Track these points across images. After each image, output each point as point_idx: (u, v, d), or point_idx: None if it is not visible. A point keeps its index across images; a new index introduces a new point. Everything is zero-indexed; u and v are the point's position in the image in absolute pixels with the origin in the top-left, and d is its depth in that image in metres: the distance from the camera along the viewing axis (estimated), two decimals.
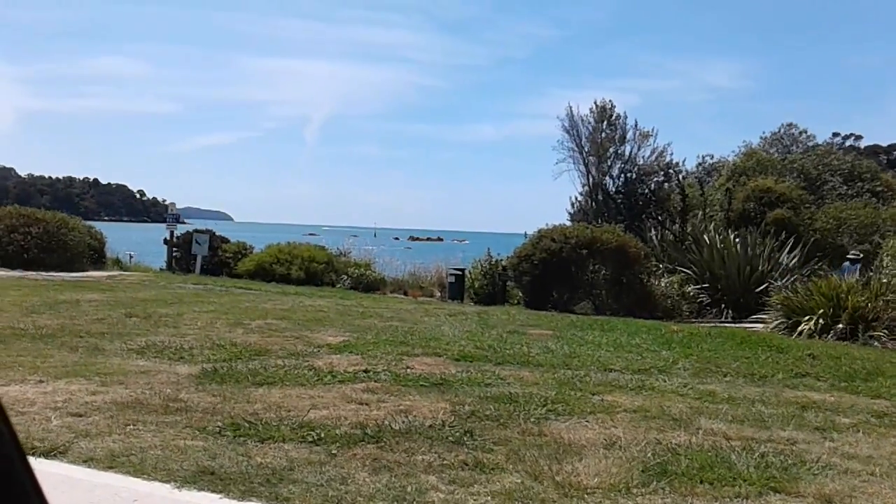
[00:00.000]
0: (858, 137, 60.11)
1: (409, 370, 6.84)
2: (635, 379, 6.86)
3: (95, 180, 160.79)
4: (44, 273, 16.86)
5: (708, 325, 14.05)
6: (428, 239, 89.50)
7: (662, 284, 16.27)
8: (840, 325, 11.93)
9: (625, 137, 21.75)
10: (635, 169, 21.52)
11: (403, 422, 4.73)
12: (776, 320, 13.43)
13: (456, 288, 17.73)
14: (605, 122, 21.73)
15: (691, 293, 16.55)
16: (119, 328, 8.72)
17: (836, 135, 57.18)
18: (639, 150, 21.64)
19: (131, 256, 22.77)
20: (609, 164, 21.86)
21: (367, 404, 5.33)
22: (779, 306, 13.66)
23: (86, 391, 5.33)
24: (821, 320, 12.20)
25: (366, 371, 6.70)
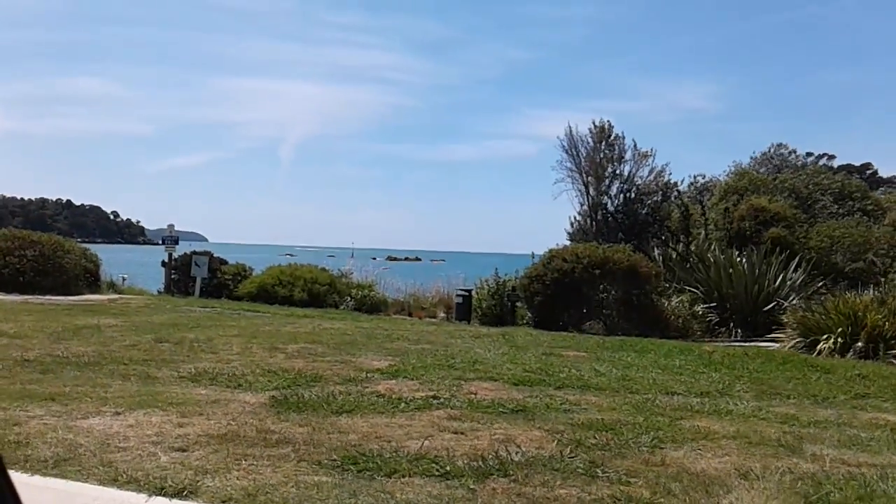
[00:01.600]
0: (831, 157, 61.31)
1: (474, 396, 6.70)
2: (704, 403, 6.78)
3: (69, 201, 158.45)
4: (43, 297, 16.40)
5: (723, 344, 14.10)
6: (406, 259, 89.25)
7: (673, 304, 16.30)
8: (859, 344, 12.01)
9: (623, 157, 21.90)
10: (634, 189, 21.65)
11: (515, 452, 4.59)
12: (793, 339, 13.48)
13: (463, 308, 17.59)
14: (604, 143, 21.87)
15: (700, 312, 16.60)
16: (157, 355, 8.45)
17: (808, 154, 58.31)
18: (637, 170, 21.81)
19: (124, 279, 22.27)
20: (608, 183, 21.97)
21: (462, 433, 5.18)
22: (795, 325, 13.75)
23: (170, 423, 5.11)
24: (839, 339, 12.28)
25: (434, 397, 6.55)
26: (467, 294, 17.86)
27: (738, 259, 18.29)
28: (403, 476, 4.05)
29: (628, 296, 16.01)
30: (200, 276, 19.66)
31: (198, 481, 3.81)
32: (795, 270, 18.09)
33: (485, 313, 17.65)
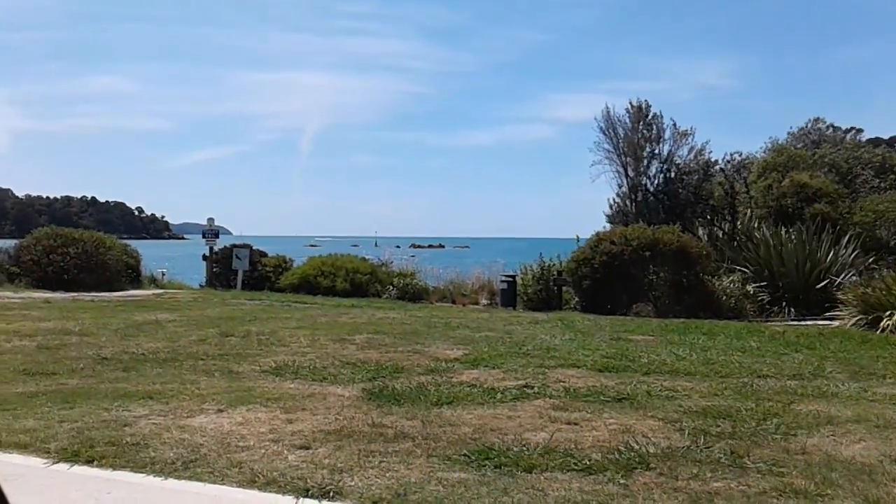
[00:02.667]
0: (859, 131, 60.27)
1: (565, 384, 6.53)
2: (804, 386, 6.57)
3: (93, 198, 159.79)
4: (88, 294, 16.45)
5: (781, 324, 13.83)
6: (430, 246, 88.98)
7: (725, 283, 16.01)
8: None
9: (661, 136, 21.51)
10: (674, 168, 21.28)
11: (645, 443, 4.42)
12: (854, 317, 13.18)
13: (508, 294, 17.40)
14: (642, 122, 21.49)
15: (752, 292, 16.29)
16: (229, 349, 8.36)
17: (835, 129, 57.39)
18: (677, 149, 21.42)
19: (163, 273, 22.30)
20: (646, 163, 21.61)
21: (575, 423, 5.02)
22: (855, 302, 13.44)
23: (279, 420, 4.99)
24: None
25: (526, 387, 6.39)
26: (512, 279, 17.66)
27: (787, 236, 17.91)
28: (544, 471, 3.89)
29: (678, 277, 15.75)
30: (242, 268, 19.62)
31: (338, 481, 3.68)
32: (846, 247, 17.70)
33: (530, 298, 17.44)
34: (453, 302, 18.73)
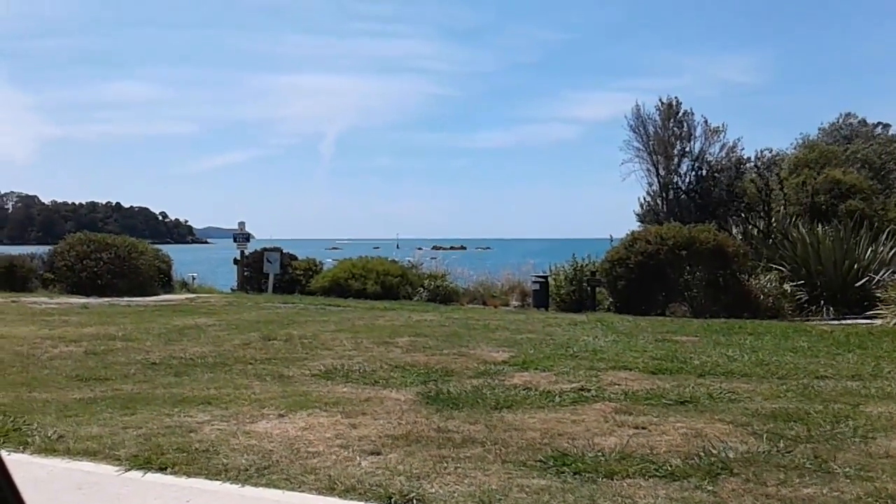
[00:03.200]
0: (886, 126, 59.38)
1: (622, 386, 6.43)
2: (867, 387, 6.42)
3: (118, 204, 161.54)
4: (122, 299, 16.53)
5: (823, 323, 13.60)
6: (451, 248, 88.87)
7: (762, 282, 15.78)
8: None
9: (692, 134, 21.29)
10: (706, 166, 21.04)
11: (723, 448, 4.30)
12: None
13: (541, 295, 17.29)
14: (672, 120, 21.28)
15: (789, 291, 16.03)
16: (274, 353, 8.34)
17: (863, 123, 56.56)
18: (708, 146, 21.18)
19: (194, 278, 22.44)
20: (677, 161, 21.39)
21: (643, 428, 4.92)
22: None
23: (341, 425, 4.94)
24: None
25: (582, 389, 6.30)
26: (544, 280, 17.54)
27: (824, 234, 17.62)
28: (625, 477, 3.80)
29: (714, 276, 15.54)
30: (273, 272, 19.67)
31: (418, 488, 3.61)
32: (884, 244, 17.38)
33: (563, 299, 17.32)
34: (484, 303, 18.64)
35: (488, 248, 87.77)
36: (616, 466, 3.98)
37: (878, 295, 14.69)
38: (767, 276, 16.16)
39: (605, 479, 3.78)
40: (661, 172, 21.37)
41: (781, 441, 4.46)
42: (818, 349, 8.70)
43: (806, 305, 16.34)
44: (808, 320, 14.46)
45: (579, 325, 11.78)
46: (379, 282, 18.71)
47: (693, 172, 21.20)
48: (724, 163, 20.98)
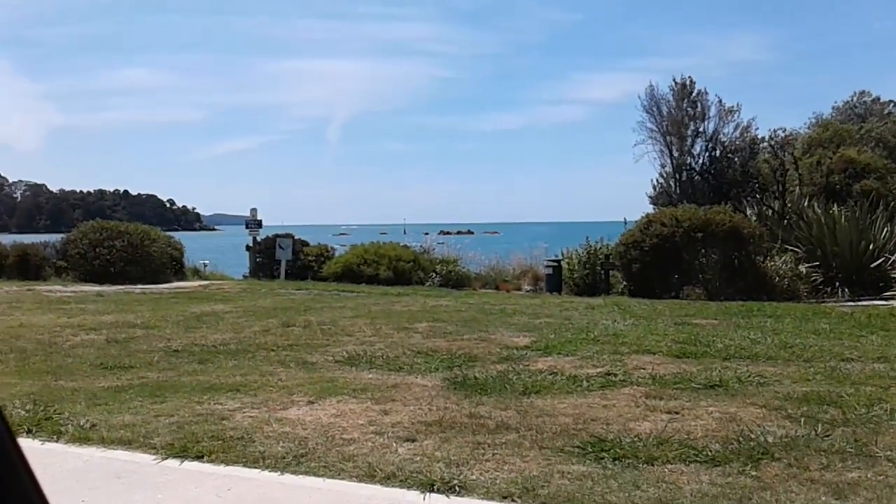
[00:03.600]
0: None
1: (648, 371, 6.40)
2: (895, 369, 6.37)
3: (126, 192, 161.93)
4: (135, 286, 16.54)
5: (839, 304, 13.51)
6: (458, 233, 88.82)
7: (777, 264, 15.68)
8: None
9: (706, 114, 21.09)
10: (719, 146, 20.87)
11: (761, 433, 4.27)
12: None
13: (554, 279, 17.23)
14: (686, 100, 21.09)
15: (804, 272, 15.94)
16: (295, 339, 8.33)
17: (877, 101, 56.07)
18: (723, 126, 20.99)
19: (205, 265, 22.46)
20: (690, 142, 21.23)
21: (676, 412, 4.89)
22: None
23: (372, 411, 4.93)
24: None
25: (609, 374, 6.27)
26: (557, 264, 17.48)
27: (840, 214, 17.49)
28: (666, 463, 3.78)
29: (730, 259, 15.45)
30: (285, 258, 19.66)
31: (459, 475, 3.60)
32: None
33: (576, 283, 17.26)
34: (496, 288, 18.60)
35: (496, 232, 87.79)
36: (655, 452, 3.95)
37: (894, 276, 14.61)
38: (783, 258, 16.06)
39: (645, 465, 3.76)
40: (675, 153, 21.22)
41: (819, 425, 4.42)
42: (840, 331, 8.64)
43: (821, 287, 16.26)
44: (823, 302, 14.37)
45: (596, 308, 11.74)
46: (391, 267, 18.68)
47: (707, 153, 21.05)
48: (737, 143, 20.81)
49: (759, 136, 21.17)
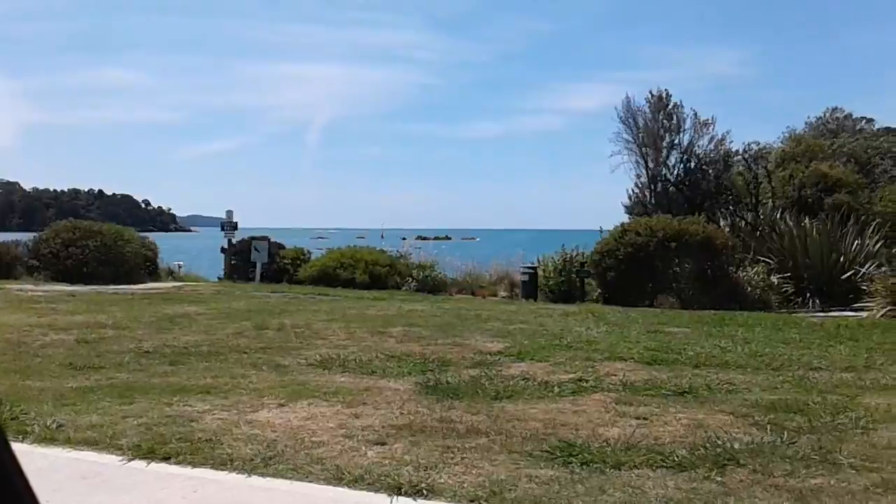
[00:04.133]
0: (870, 120, 59.84)
1: (619, 377, 6.45)
2: (861, 379, 6.47)
3: (100, 191, 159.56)
4: (108, 287, 16.35)
5: (811, 315, 13.71)
6: (436, 238, 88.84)
7: (749, 275, 15.89)
8: None
9: (681, 127, 21.35)
10: (694, 158, 21.13)
11: (727, 439, 4.33)
12: (883, 308, 13.09)
13: (530, 286, 17.28)
14: (662, 112, 21.33)
15: (776, 283, 16.16)
16: (268, 342, 8.29)
17: (849, 118, 56.96)
18: (697, 139, 21.25)
19: (180, 266, 22.25)
20: (665, 154, 21.45)
21: (645, 418, 4.94)
22: (885, 293, 13.34)
23: (343, 415, 4.92)
24: None
25: (580, 380, 6.31)
26: (533, 271, 17.54)
27: (811, 227, 17.77)
28: (633, 468, 3.82)
29: (703, 268, 15.63)
30: (261, 261, 19.55)
31: (427, 478, 3.61)
32: (870, 237, 17.56)
33: (551, 290, 17.33)
34: (473, 294, 18.63)
35: (474, 238, 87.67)
36: (623, 457, 3.99)
37: (864, 287, 14.85)
38: (755, 269, 16.27)
39: (612, 470, 3.79)
40: (650, 164, 21.43)
41: (784, 432, 4.49)
42: (810, 341, 8.77)
43: (792, 297, 16.49)
44: (794, 312, 14.57)
45: (570, 315, 11.81)
46: (367, 271, 18.64)
47: (682, 165, 21.28)
48: (712, 155, 21.07)
49: (734, 149, 21.48)
